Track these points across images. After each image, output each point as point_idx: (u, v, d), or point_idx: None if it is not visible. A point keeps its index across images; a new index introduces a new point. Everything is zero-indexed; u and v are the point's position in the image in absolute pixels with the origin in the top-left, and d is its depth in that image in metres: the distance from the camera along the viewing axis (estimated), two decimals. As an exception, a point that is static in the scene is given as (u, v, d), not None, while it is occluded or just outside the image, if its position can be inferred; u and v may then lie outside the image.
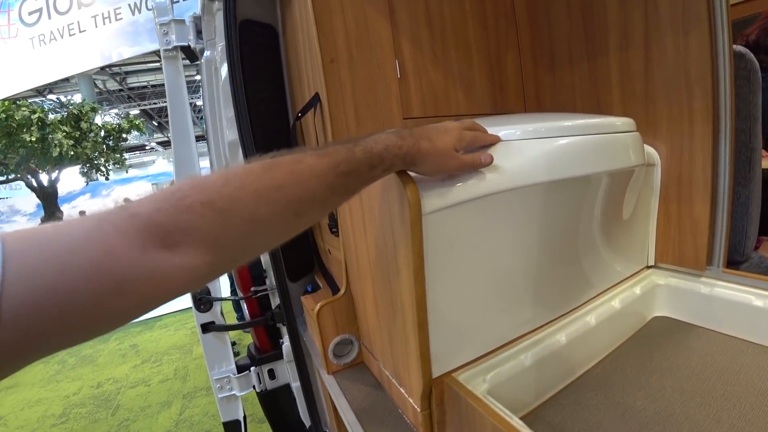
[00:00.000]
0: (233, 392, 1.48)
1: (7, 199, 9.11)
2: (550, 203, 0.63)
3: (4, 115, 5.40)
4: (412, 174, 0.53)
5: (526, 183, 0.56)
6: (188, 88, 1.28)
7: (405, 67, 0.92)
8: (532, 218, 0.62)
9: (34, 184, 6.43)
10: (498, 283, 0.64)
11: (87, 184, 7.05)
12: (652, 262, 1.00)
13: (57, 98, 9.57)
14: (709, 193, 0.87)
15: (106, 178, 7.15)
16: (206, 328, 1.40)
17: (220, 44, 1.11)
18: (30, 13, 6.28)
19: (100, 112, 9.35)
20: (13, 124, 5.42)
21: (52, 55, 6.12)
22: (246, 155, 1.15)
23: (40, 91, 8.95)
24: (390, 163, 0.45)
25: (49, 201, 6.60)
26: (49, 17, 6.22)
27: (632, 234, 0.96)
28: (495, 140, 0.60)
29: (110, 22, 5.45)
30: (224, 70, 1.13)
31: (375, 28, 0.88)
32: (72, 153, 5.87)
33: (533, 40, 1.16)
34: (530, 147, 0.58)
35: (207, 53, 1.17)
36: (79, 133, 5.84)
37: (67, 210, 8.60)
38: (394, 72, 0.90)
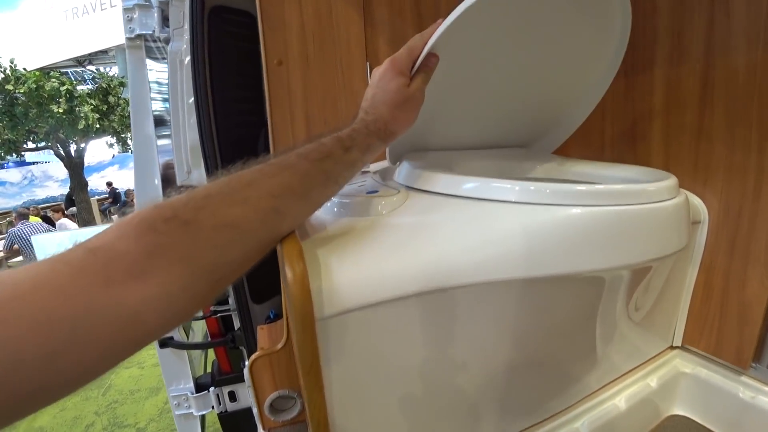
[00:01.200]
0: (190, 410, 1.37)
1: (45, 163, 9.52)
2: (528, 300, 0.44)
3: (34, 85, 5.53)
4: (320, 252, 0.35)
5: (488, 279, 0.37)
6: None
7: None
8: (495, 319, 0.43)
9: (62, 153, 6.62)
10: (441, 399, 0.46)
11: (114, 157, 7.22)
12: (678, 343, 0.79)
13: (96, 69, 9.82)
14: (772, 273, 0.64)
15: (132, 152, 7.28)
16: (164, 343, 1.28)
17: (189, 34, 0.95)
18: None
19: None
20: (44, 95, 5.56)
21: (84, 27, 6.24)
22: (207, 163, 0.99)
23: (80, 62, 9.21)
24: (365, 143, 0.42)
25: (76, 170, 6.78)
26: None
27: (657, 307, 0.74)
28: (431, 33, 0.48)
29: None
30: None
31: (342, 23, 0.69)
32: (98, 126, 6.01)
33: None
34: (506, 216, 0.39)
35: (173, 44, 1.01)
36: (106, 106, 5.95)
37: (96, 179, 8.89)
38: (363, 79, 0.71)
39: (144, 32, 1.07)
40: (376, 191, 0.49)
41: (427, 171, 0.50)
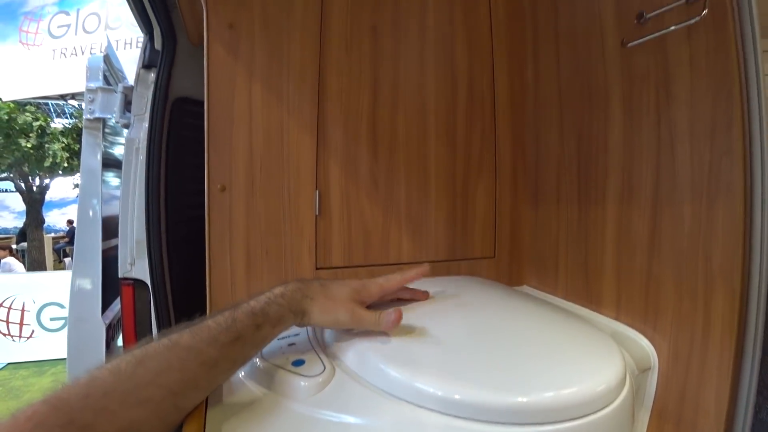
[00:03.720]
0: None
1: (3, 191, 9.05)
2: None
3: (6, 117, 5.40)
4: None
5: None
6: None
7: (329, 200, 0.71)
8: None
9: (23, 186, 6.32)
10: None
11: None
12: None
13: (78, 105, 9.76)
14: (722, 426, 0.62)
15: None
16: None
17: (148, 122, 0.94)
18: (59, 26, 6.56)
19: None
20: (15, 127, 5.42)
21: (70, 68, 6.31)
22: (151, 257, 0.93)
23: (63, 96, 9.14)
24: (277, 316, 0.42)
25: (34, 206, 6.45)
26: (76, 33, 6.48)
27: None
28: (419, 296, 0.55)
29: (131, 48, 5.60)
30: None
31: (294, 147, 0.67)
32: (66, 165, 5.82)
33: (515, 164, 0.97)
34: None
35: (131, 131, 0.99)
36: (78, 146, 5.80)
37: (56, 215, 8.47)
38: (310, 208, 0.69)
39: (104, 116, 1.05)
40: (302, 362, 0.45)
41: (352, 343, 0.47)
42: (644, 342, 0.71)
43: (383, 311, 0.45)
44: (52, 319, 3.61)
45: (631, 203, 0.74)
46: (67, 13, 6.74)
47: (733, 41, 0.59)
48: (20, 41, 6.97)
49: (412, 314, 0.49)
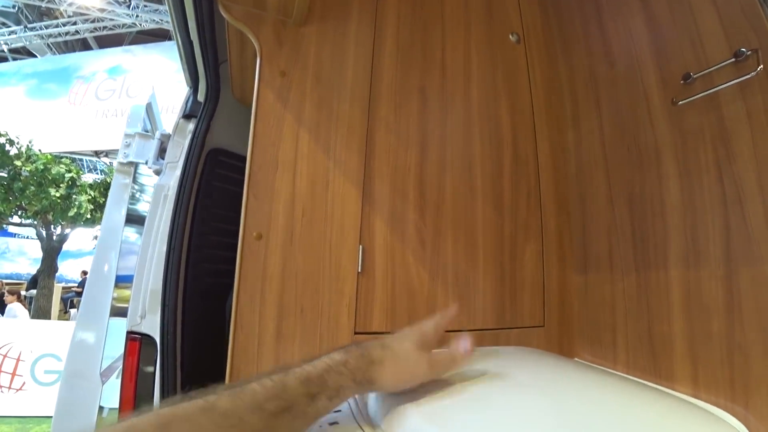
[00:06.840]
0: None
1: (25, 238, 9.26)
2: None
3: (42, 167, 5.67)
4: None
5: None
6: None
7: (373, 257, 0.65)
8: None
9: (44, 234, 6.42)
10: None
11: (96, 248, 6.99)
12: None
13: (110, 162, 10.31)
14: None
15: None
16: None
17: (180, 170, 0.92)
18: (106, 90, 7.22)
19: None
20: (48, 176, 5.66)
21: (107, 128, 6.81)
22: (164, 312, 0.85)
23: (97, 153, 9.71)
24: (336, 386, 0.35)
25: (51, 255, 6.48)
26: (119, 97, 7.10)
27: None
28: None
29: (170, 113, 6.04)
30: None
31: (338, 198, 0.63)
32: (89, 216, 5.97)
33: (561, 229, 0.90)
34: None
35: (162, 177, 0.98)
36: (104, 200, 5.98)
37: (70, 265, 8.51)
38: (353, 264, 0.62)
39: (137, 160, 1.05)
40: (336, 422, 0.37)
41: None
42: (733, 421, 0.59)
43: (451, 345, 0.44)
44: (46, 372, 3.42)
45: (699, 265, 0.66)
46: (115, 80, 7.43)
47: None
48: (68, 101, 7.62)
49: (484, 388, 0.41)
